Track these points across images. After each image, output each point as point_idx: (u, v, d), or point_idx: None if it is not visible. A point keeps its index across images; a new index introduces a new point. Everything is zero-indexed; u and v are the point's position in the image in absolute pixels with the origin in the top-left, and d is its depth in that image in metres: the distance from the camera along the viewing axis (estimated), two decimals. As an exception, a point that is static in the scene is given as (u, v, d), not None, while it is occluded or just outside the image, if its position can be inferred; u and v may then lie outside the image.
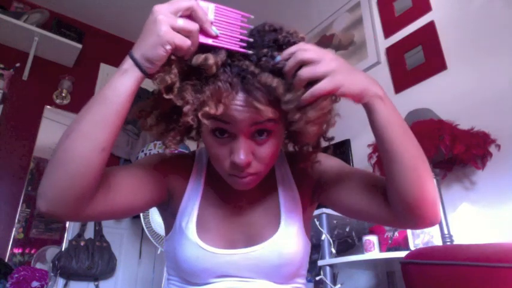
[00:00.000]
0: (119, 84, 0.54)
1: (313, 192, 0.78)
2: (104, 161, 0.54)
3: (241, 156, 0.59)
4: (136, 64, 0.54)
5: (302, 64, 0.55)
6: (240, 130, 0.59)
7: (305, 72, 0.55)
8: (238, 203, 0.74)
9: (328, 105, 0.58)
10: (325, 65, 0.55)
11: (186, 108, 0.56)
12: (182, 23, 0.53)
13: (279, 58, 0.56)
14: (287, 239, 0.70)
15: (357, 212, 0.71)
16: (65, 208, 0.54)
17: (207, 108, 0.55)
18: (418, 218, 0.62)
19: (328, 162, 0.78)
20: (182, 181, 0.74)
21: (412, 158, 0.60)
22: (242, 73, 0.56)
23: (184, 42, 0.53)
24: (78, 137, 0.52)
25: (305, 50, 0.56)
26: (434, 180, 0.64)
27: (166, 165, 0.71)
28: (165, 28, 0.51)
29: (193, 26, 0.53)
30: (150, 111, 0.63)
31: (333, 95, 0.59)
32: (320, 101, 0.56)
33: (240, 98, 0.57)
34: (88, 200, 0.55)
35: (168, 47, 0.52)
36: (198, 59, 0.54)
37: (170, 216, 0.75)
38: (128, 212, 0.67)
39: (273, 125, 0.60)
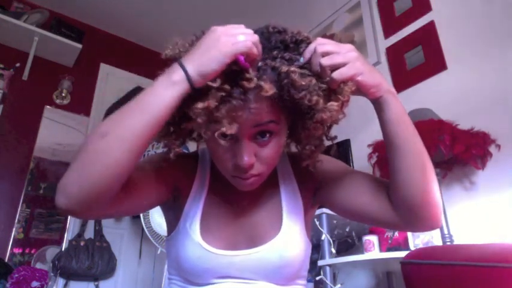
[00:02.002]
0: (166, 97, 0.53)
1: (315, 193, 0.78)
2: (135, 165, 0.55)
3: (245, 158, 0.59)
4: (188, 77, 0.53)
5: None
6: (242, 132, 0.59)
7: (326, 60, 0.56)
8: (241, 203, 0.74)
9: (349, 92, 0.58)
10: (344, 55, 0.57)
11: (200, 120, 0.56)
12: (245, 37, 0.53)
13: (302, 60, 0.58)
14: (288, 241, 0.70)
15: (360, 214, 0.71)
16: (87, 207, 0.53)
17: (223, 129, 0.55)
18: (420, 220, 0.62)
19: (331, 164, 0.78)
20: (188, 182, 0.74)
21: (421, 156, 0.61)
22: (283, 75, 0.55)
23: (254, 49, 0.54)
24: (115, 141, 0.52)
25: (323, 44, 0.58)
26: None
27: (172, 165, 0.71)
28: (234, 39, 0.52)
29: (255, 37, 0.55)
30: None
31: (352, 84, 0.59)
32: (342, 85, 0.58)
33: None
34: (110, 200, 0.55)
35: (230, 57, 0.52)
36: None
37: (174, 216, 0.75)
38: (138, 210, 0.68)
39: (275, 126, 0.60)
